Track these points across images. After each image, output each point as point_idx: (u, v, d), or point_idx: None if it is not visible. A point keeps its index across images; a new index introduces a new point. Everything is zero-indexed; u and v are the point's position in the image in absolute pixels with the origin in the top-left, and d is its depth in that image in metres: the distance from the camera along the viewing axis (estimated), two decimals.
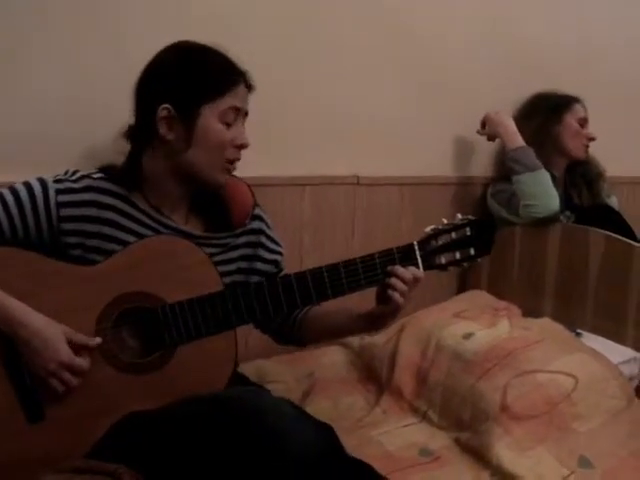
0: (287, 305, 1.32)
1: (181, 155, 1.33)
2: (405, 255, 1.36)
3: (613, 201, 2.56)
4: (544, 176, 2.23)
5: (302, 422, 1.17)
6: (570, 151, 2.44)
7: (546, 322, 1.89)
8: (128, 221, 1.33)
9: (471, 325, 1.79)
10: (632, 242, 2.08)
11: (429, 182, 2.37)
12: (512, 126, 2.32)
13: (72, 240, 1.30)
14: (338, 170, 2.15)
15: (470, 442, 1.52)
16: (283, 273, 1.51)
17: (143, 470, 1.22)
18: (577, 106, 2.44)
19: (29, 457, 1.21)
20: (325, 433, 1.18)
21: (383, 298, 1.35)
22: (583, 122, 2.44)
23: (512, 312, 1.93)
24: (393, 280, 1.33)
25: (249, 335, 1.56)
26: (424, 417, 1.65)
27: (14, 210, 1.27)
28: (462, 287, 2.41)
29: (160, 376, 1.27)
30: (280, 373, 1.83)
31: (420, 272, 1.35)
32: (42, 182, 1.30)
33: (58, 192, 1.29)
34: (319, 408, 1.62)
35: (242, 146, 1.36)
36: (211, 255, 1.36)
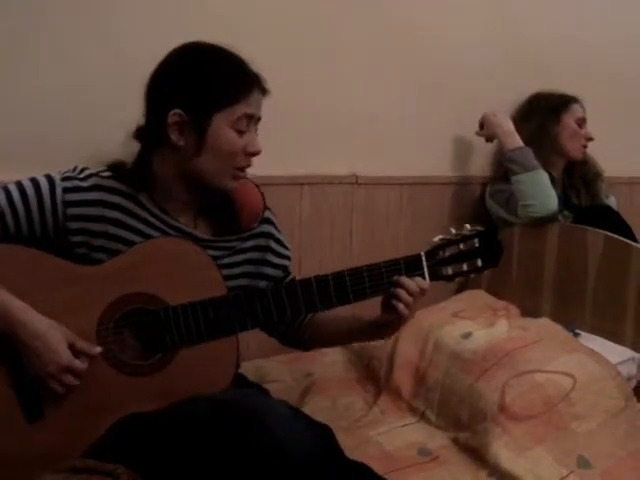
0: (291, 312, 1.31)
1: (191, 161, 1.31)
2: (412, 265, 1.34)
3: (612, 201, 2.56)
4: (542, 176, 2.23)
5: (299, 423, 1.17)
6: (568, 151, 2.45)
7: (545, 322, 1.89)
8: (134, 221, 1.32)
9: (470, 325, 1.79)
10: (630, 242, 2.09)
11: (428, 182, 2.37)
12: (510, 127, 2.33)
13: (77, 239, 1.29)
14: (337, 169, 2.16)
15: (468, 442, 1.52)
16: (290, 277, 1.50)
17: (141, 470, 1.22)
18: (575, 106, 2.44)
19: (28, 455, 1.21)
20: (323, 434, 1.18)
21: (388, 307, 1.34)
22: (581, 122, 2.44)
23: (511, 312, 1.93)
24: (398, 290, 1.31)
25: (250, 336, 1.55)
26: (422, 417, 1.65)
27: (20, 206, 1.26)
28: (461, 287, 2.41)
29: (161, 378, 1.27)
30: (279, 373, 1.84)
31: (426, 283, 1.34)
32: (50, 179, 1.29)
33: (65, 190, 1.28)
34: (317, 408, 1.62)
35: (254, 154, 1.34)
36: (216, 258, 1.35)
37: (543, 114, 2.42)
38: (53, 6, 1.62)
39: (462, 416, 1.58)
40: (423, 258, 1.35)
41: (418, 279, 1.33)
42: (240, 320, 1.29)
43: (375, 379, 1.79)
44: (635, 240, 2.18)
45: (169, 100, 1.29)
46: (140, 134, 1.36)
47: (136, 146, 1.38)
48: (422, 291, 1.33)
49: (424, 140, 2.33)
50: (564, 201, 2.41)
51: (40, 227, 1.27)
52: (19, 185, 1.28)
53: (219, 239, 1.40)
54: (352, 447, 1.32)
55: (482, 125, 2.39)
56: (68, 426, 1.23)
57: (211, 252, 1.35)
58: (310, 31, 2.02)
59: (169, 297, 1.27)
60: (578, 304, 2.16)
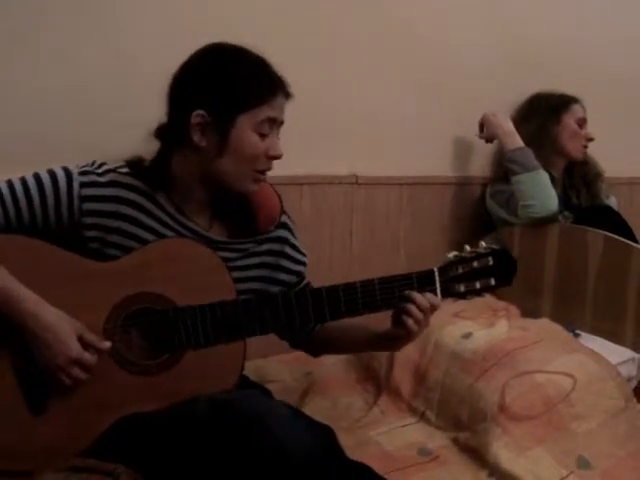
0: (300, 321, 1.30)
1: (212, 163, 1.29)
2: (424, 281, 1.33)
3: (612, 201, 2.56)
4: (542, 176, 2.23)
5: (300, 424, 1.17)
6: (569, 152, 2.45)
7: (545, 322, 1.89)
8: (149, 219, 1.32)
9: (470, 325, 1.79)
10: (630, 242, 2.09)
11: (428, 182, 2.37)
12: (510, 127, 2.33)
13: (91, 234, 1.28)
14: (337, 169, 2.15)
15: (468, 442, 1.52)
16: (305, 282, 1.50)
17: (141, 470, 1.22)
18: (576, 106, 2.44)
19: (29, 447, 1.21)
20: (323, 435, 1.18)
21: (398, 322, 1.33)
22: (582, 122, 2.44)
23: (511, 312, 1.93)
24: (409, 306, 1.30)
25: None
26: (422, 417, 1.65)
27: (36, 198, 1.25)
28: None
29: (166, 378, 1.26)
30: (279, 373, 1.84)
31: (437, 300, 1.32)
32: (67, 172, 1.28)
33: (82, 185, 1.27)
34: (318, 408, 1.62)
35: (275, 157, 1.33)
36: (229, 260, 1.35)
37: (543, 114, 2.42)
38: (53, 6, 1.62)
39: (462, 416, 1.58)
40: (436, 274, 1.33)
41: (429, 295, 1.32)
42: (249, 325, 1.28)
43: (375, 379, 1.79)
44: (635, 240, 2.18)
45: (192, 101, 1.28)
46: (161, 133, 1.34)
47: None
48: (433, 307, 1.31)
49: (424, 140, 2.33)
50: (564, 201, 2.41)
51: (55, 220, 1.26)
52: (36, 176, 1.27)
53: (234, 241, 1.39)
54: (352, 447, 1.32)
55: (482, 126, 2.39)
56: (71, 421, 1.23)
57: (225, 254, 1.34)
58: (310, 31, 2.02)
59: (178, 298, 1.27)
60: (578, 304, 2.16)
